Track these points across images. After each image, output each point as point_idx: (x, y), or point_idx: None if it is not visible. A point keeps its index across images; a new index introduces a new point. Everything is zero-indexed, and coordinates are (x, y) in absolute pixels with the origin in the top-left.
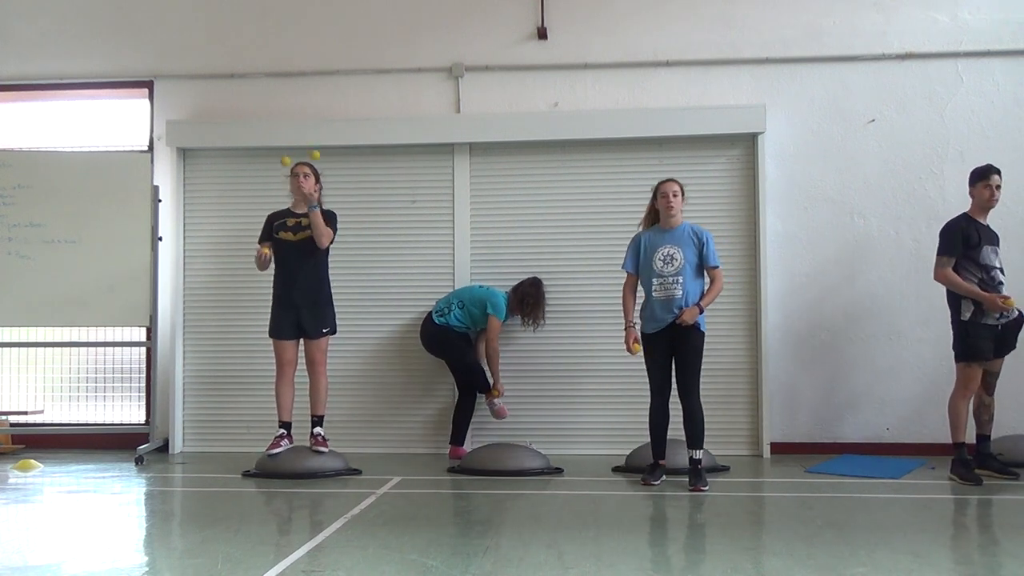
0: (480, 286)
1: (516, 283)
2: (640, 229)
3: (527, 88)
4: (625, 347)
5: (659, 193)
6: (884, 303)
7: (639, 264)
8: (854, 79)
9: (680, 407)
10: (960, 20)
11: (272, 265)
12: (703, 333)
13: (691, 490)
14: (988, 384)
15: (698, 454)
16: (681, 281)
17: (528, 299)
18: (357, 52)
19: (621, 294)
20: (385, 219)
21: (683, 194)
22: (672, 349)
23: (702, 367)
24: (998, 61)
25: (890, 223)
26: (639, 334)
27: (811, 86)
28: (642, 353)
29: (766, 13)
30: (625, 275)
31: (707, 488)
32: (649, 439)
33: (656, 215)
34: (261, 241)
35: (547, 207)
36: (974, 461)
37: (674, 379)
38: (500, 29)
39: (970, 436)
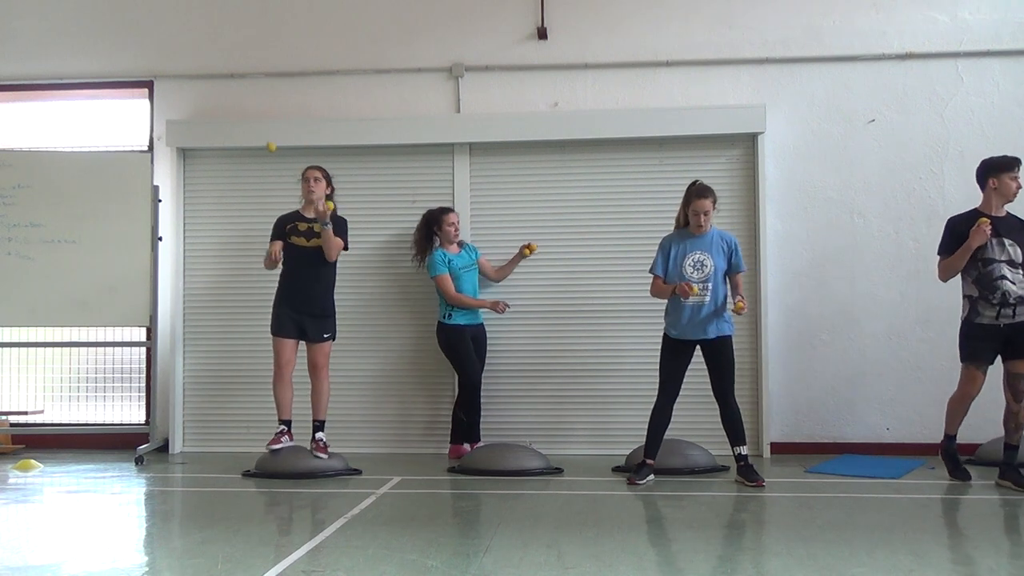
0: None
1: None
2: (672, 229)
3: (527, 88)
4: (683, 292)
5: (691, 210)
6: (884, 303)
7: (668, 270)
8: (854, 79)
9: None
10: (960, 20)
11: (280, 265)
12: (731, 336)
13: (753, 486)
14: (1015, 390)
15: (744, 450)
16: (710, 287)
17: (428, 226)
18: (357, 52)
19: (651, 292)
20: (385, 219)
21: (715, 204)
22: (700, 358)
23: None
24: (998, 61)
25: (890, 223)
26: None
27: (811, 86)
28: (659, 352)
29: (766, 13)
30: (652, 277)
31: (764, 483)
32: (645, 437)
33: (687, 218)
34: (272, 238)
35: (547, 207)
36: (999, 471)
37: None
38: (500, 29)
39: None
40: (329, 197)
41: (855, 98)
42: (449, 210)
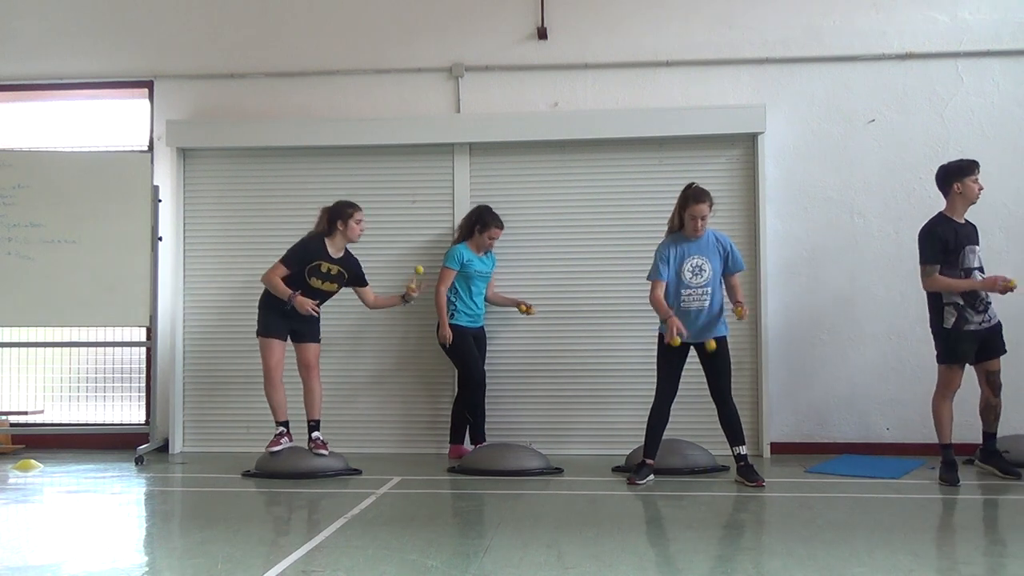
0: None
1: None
2: (666, 234)
3: (527, 88)
4: (669, 336)
5: (688, 215)
6: (884, 303)
7: (669, 276)
8: (854, 79)
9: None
10: (960, 20)
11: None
12: (727, 337)
13: (753, 486)
14: (993, 384)
15: (744, 450)
16: (710, 292)
17: (473, 221)
18: (357, 52)
19: (651, 300)
20: (385, 219)
21: (712, 207)
22: (696, 358)
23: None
24: (998, 61)
25: (890, 223)
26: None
27: (811, 86)
28: (656, 353)
29: (766, 13)
30: (651, 283)
31: (764, 483)
32: (644, 437)
33: (682, 221)
34: (290, 266)
35: (547, 207)
36: (979, 456)
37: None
38: (500, 29)
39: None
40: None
41: (855, 98)
42: (500, 225)
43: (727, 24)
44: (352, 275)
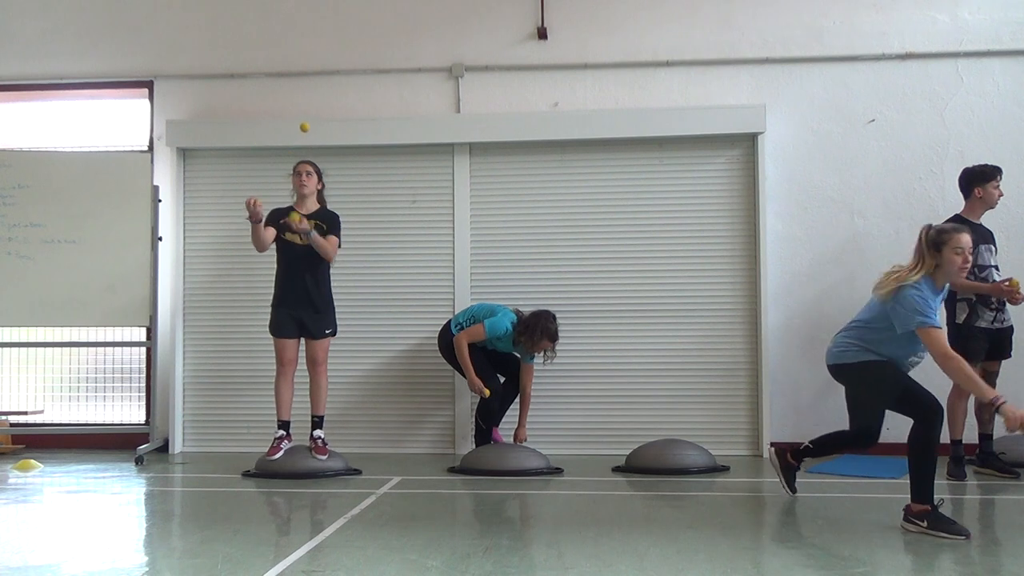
0: (501, 305)
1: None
2: (917, 279)
3: (527, 88)
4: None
5: (951, 247)
6: None
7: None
8: (854, 79)
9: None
10: (960, 20)
11: (276, 263)
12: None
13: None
14: (989, 384)
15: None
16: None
17: (528, 328)
18: (357, 52)
19: (959, 370)
20: (385, 219)
21: None
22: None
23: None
24: (998, 61)
25: (890, 223)
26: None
27: (811, 86)
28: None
29: (766, 13)
30: (934, 332)
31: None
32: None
33: (934, 267)
34: (266, 220)
35: (547, 207)
36: (977, 460)
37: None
38: (500, 29)
39: (972, 437)
40: (294, 209)
41: (855, 98)
42: (553, 339)
43: (727, 24)
44: (330, 226)
